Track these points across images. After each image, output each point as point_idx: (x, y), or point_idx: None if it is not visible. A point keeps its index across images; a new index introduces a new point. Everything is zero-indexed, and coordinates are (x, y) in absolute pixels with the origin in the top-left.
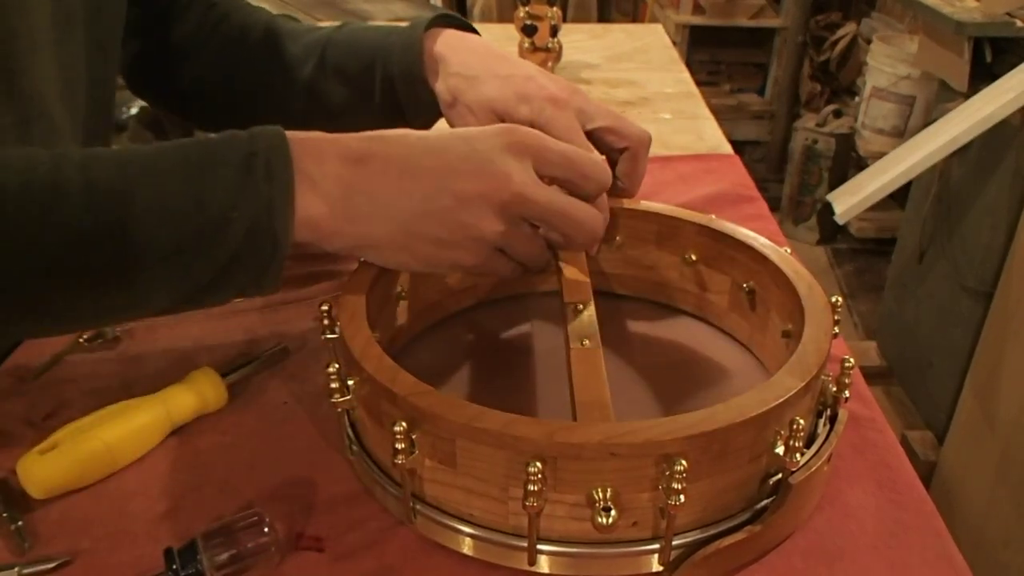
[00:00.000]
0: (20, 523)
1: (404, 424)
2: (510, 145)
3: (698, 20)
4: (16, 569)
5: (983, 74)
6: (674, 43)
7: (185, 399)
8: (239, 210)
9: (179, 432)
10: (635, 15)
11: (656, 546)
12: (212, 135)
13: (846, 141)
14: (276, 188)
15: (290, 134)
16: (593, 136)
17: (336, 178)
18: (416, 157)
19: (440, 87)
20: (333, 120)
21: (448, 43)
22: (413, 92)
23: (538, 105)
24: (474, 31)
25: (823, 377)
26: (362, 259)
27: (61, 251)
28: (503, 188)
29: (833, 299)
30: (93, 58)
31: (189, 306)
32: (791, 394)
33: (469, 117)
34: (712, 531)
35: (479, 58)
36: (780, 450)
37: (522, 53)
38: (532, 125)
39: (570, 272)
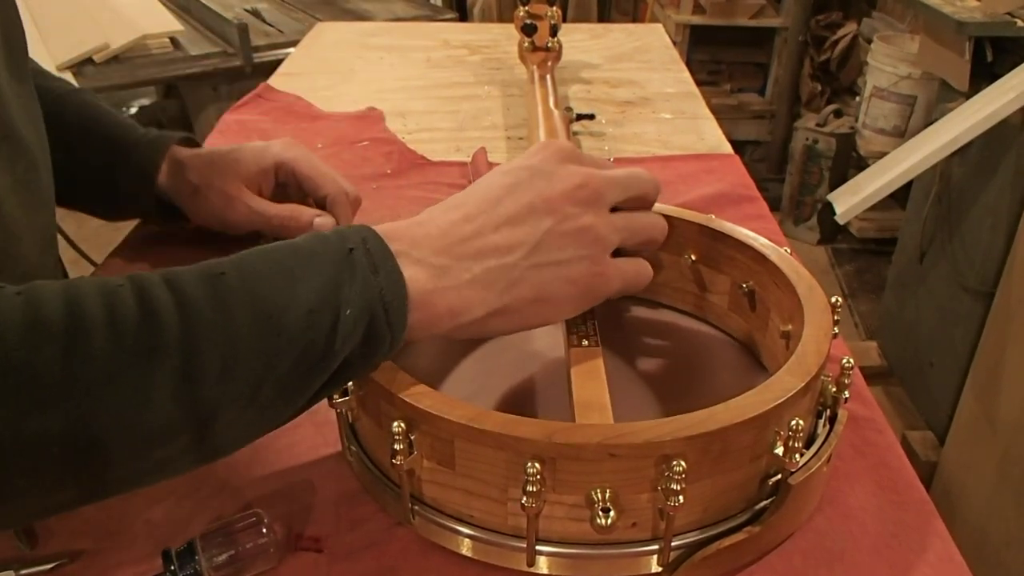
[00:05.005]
0: None
1: (403, 424)
2: (556, 153)
3: (698, 20)
4: (13, 569)
5: (984, 74)
6: (674, 43)
7: None
8: (352, 306)
9: None
10: (635, 15)
11: (655, 547)
12: (298, 240)
13: (847, 141)
14: (384, 277)
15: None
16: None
17: (437, 251)
18: (492, 200)
19: (171, 181)
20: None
21: (191, 151)
22: (141, 184)
23: (278, 148)
24: None
25: (823, 377)
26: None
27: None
28: (580, 181)
29: (833, 299)
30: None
31: (264, 427)
32: (791, 394)
33: (216, 199)
34: (712, 532)
35: (216, 153)
36: (780, 451)
37: (522, 53)
38: (283, 166)
39: None
